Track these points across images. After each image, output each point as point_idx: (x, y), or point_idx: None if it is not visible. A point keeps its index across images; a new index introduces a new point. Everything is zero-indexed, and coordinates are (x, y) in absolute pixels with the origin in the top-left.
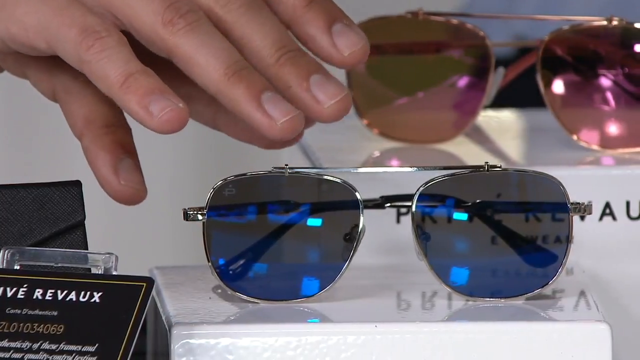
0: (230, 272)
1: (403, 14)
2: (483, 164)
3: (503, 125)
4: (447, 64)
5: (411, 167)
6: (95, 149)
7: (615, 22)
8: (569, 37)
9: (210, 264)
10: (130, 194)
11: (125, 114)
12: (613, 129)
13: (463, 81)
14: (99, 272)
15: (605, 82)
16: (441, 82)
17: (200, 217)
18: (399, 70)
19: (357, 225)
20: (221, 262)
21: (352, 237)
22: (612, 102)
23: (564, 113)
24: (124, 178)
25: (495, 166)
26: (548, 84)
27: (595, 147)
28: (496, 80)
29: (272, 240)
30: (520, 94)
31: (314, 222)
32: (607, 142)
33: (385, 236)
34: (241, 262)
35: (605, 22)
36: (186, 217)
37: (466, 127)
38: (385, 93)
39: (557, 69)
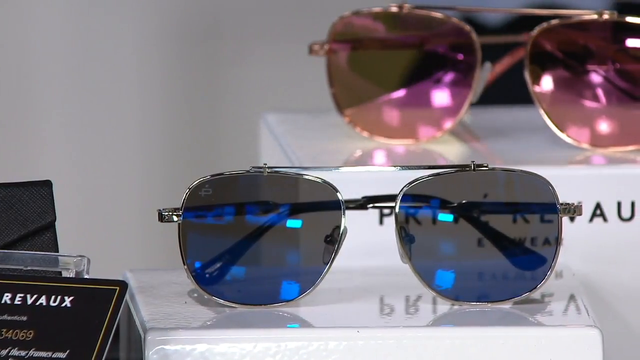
0: (207, 275)
1: (387, 7)
2: (469, 163)
3: (490, 122)
4: (432, 59)
5: (394, 166)
6: None
7: (606, 16)
8: (558, 32)
9: (185, 267)
10: None
11: None
12: (604, 126)
13: (448, 77)
14: (70, 276)
15: (596, 78)
16: (426, 78)
17: (175, 218)
18: (382, 66)
19: (338, 227)
20: (197, 265)
21: (333, 239)
22: (603, 99)
23: (553, 110)
24: None
25: (481, 165)
26: (537, 80)
27: (585, 145)
28: (483, 76)
29: (250, 242)
30: (508, 90)
31: (293, 223)
32: (597, 141)
33: (367, 238)
34: (218, 265)
35: (595, 16)
36: (161, 218)
37: (451, 125)
38: (368, 89)
39: (546, 65)
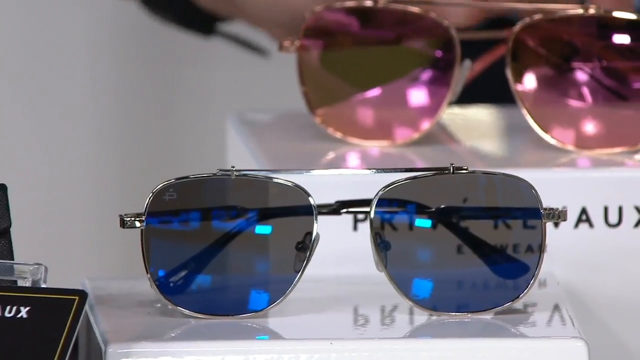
0: (171, 284)
1: (361, 1)
2: (448, 165)
3: (470, 123)
4: (409, 56)
5: (369, 169)
6: None
7: (592, 11)
8: (541, 28)
9: (149, 275)
10: None
11: None
12: (590, 127)
13: (425, 75)
14: (27, 285)
15: (581, 76)
16: (402, 77)
17: (138, 224)
18: (356, 63)
19: (310, 233)
20: (161, 273)
21: (305, 246)
22: (589, 99)
23: (536, 110)
24: None
25: (461, 168)
26: (519, 78)
27: (570, 147)
28: (462, 74)
29: (217, 249)
30: (489, 89)
31: (263, 229)
32: (583, 142)
33: (341, 245)
34: (183, 273)
35: (581, 11)
36: (123, 224)
37: (429, 126)
38: (341, 88)
39: (529, 62)
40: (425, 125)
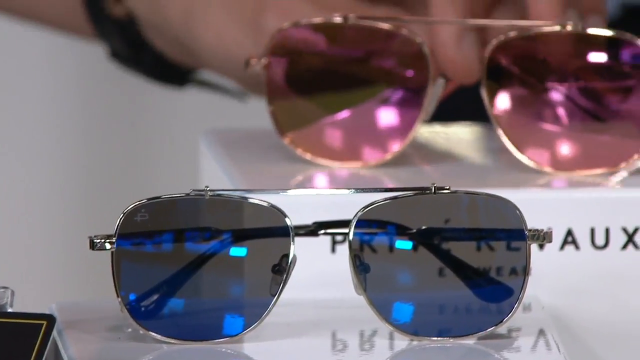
0: (143, 308)
1: (330, 17)
2: (429, 185)
3: (451, 142)
4: (379, 75)
5: (348, 189)
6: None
7: (569, 28)
8: (517, 45)
9: (119, 299)
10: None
11: None
12: (568, 148)
13: (397, 94)
14: None
15: (558, 96)
16: (373, 96)
17: (108, 245)
18: (324, 83)
19: (287, 255)
20: (132, 297)
21: (281, 269)
22: (567, 119)
23: (512, 130)
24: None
25: (443, 188)
26: (494, 97)
27: (547, 168)
28: (435, 92)
29: (190, 272)
30: (469, 106)
31: (238, 251)
32: (561, 164)
33: (318, 267)
34: (155, 297)
35: (558, 28)
36: (93, 245)
37: (401, 147)
38: (310, 108)
39: (505, 81)
40: (397, 146)
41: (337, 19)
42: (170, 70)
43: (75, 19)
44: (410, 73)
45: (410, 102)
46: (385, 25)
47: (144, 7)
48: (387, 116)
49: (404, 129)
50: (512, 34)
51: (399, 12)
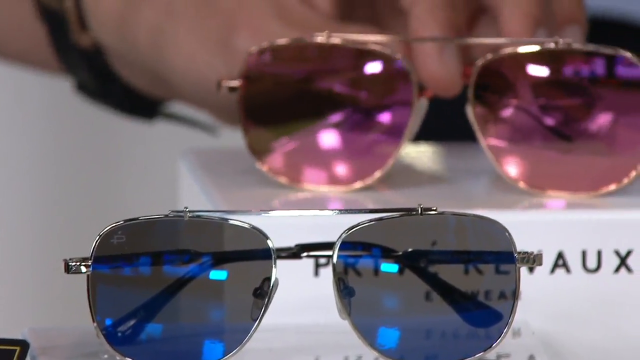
0: (120, 334)
1: (310, 37)
2: (415, 206)
3: (437, 162)
4: (360, 95)
5: (331, 210)
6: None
7: (561, 46)
8: (504, 64)
9: (95, 324)
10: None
11: None
12: (557, 169)
13: (380, 116)
14: None
15: (547, 115)
16: (353, 118)
17: (84, 269)
18: (301, 105)
19: (268, 279)
20: (109, 322)
21: (262, 293)
22: (556, 139)
23: (499, 150)
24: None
25: (429, 209)
26: (481, 117)
27: (536, 190)
28: (419, 113)
29: (169, 296)
30: (455, 126)
31: (218, 274)
32: (550, 185)
33: (301, 291)
34: (132, 322)
35: (552, 45)
36: (68, 269)
37: (384, 169)
38: (286, 132)
39: (491, 101)
40: (381, 168)
41: (316, 39)
42: (139, 102)
43: (41, 51)
44: (392, 92)
45: (392, 124)
46: (365, 44)
47: (111, 35)
48: (369, 138)
49: (387, 150)
50: (499, 52)
51: (375, 30)
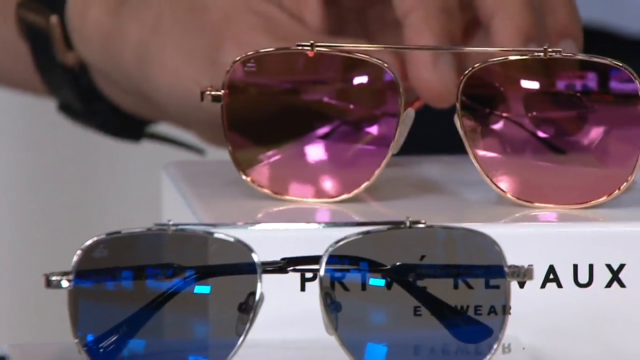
0: (102, 350)
1: (293, 46)
2: (404, 219)
3: (425, 174)
4: (346, 107)
5: (318, 223)
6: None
7: (551, 54)
8: (493, 73)
9: (77, 340)
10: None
11: None
12: (548, 181)
13: (366, 127)
14: None
15: (537, 127)
16: (338, 129)
17: (65, 283)
18: (287, 116)
19: (253, 293)
20: (90, 338)
21: (248, 307)
22: (546, 150)
23: (488, 162)
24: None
25: (418, 222)
26: (469, 128)
27: (526, 202)
28: (405, 124)
29: (152, 311)
30: (443, 137)
31: (202, 289)
32: (540, 197)
33: (287, 306)
34: (115, 338)
35: (542, 54)
36: (48, 283)
37: (369, 182)
38: (271, 143)
39: (480, 111)
40: (367, 181)
41: (302, 48)
42: (124, 123)
43: (23, 70)
44: (379, 104)
45: (378, 135)
46: (352, 54)
47: (96, 53)
48: (355, 149)
49: (373, 162)
50: (487, 61)
51: (365, 42)
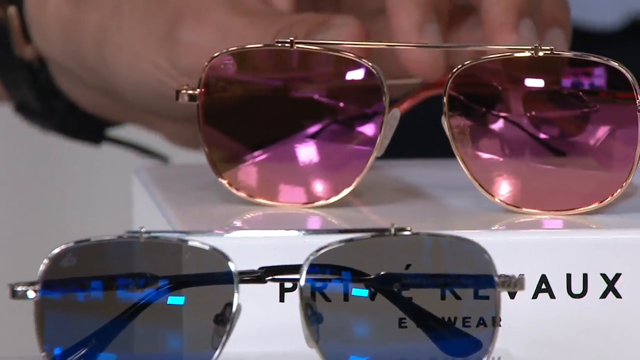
0: None
1: (272, 43)
2: (388, 226)
3: (411, 178)
4: (327, 107)
5: (298, 230)
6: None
7: (541, 53)
8: (482, 71)
9: (44, 354)
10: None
11: None
12: (539, 186)
13: (348, 128)
14: None
15: (528, 129)
16: (320, 130)
17: (31, 294)
18: (265, 116)
19: (230, 304)
20: (57, 351)
21: (224, 319)
22: (537, 154)
23: (477, 166)
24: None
25: (403, 229)
26: (457, 130)
27: (516, 208)
28: (390, 125)
29: (123, 323)
30: (430, 140)
31: (176, 300)
32: (531, 203)
33: (266, 317)
34: (84, 351)
35: (531, 53)
36: (14, 294)
37: (352, 186)
38: (248, 144)
39: (468, 113)
40: (349, 185)
41: (282, 44)
42: (84, 123)
43: None
44: (362, 103)
45: (362, 137)
46: (334, 51)
47: (56, 44)
48: (337, 151)
49: (356, 165)
50: (475, 60)
51: (327, 19)
